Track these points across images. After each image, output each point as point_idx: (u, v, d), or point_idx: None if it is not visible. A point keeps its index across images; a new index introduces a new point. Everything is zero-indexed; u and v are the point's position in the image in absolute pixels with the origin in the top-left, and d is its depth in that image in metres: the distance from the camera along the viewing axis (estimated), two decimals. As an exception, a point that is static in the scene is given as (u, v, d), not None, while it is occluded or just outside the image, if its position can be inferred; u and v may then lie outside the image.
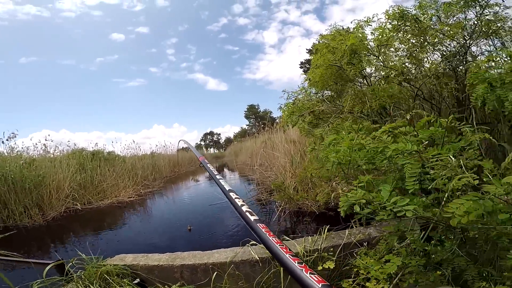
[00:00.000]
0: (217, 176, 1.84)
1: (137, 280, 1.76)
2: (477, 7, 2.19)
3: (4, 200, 5.23)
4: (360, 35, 2.36)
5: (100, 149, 9.25)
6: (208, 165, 2.21)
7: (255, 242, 1.89)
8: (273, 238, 0.70)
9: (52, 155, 7.88)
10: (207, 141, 67.58)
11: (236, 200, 1.32)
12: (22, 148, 7.15)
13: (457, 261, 1.20)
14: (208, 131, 68.56)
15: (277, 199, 3.98)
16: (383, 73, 2.41)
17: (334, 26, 2.96)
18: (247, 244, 1.88)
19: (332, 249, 1.71)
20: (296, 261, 0.61)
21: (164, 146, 14.33)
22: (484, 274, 1.11)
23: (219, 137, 68.21)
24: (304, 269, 0.58)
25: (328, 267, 1.62)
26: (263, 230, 0.76)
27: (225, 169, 14.51)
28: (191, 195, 7.32)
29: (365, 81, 2.62)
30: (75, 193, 6.27)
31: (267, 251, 1.70)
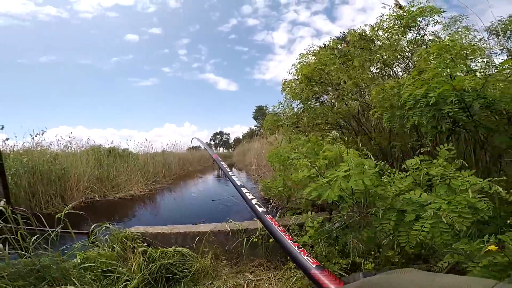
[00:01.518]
0: (230, 173, 2.04)
1: (145, 244, 2.62)
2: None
3: (33, 191, 6.21)
4: (312, 62, 3.17)
5: (115, 146, 10.35)
6: (221, 162, 2.31)
7: (232, 220, 2.74)
8: (278, 227, 0.78)
9: (72, 151, 8.93)
10: (217, 141, 68.97)
11: (247, 194, 1.51)
12: (46, 143, 8.23)
13: (344, 238, 2.00)
14: (218, 131, 70.04)
15: (271, 197, 4.77)
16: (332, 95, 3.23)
17: (311, 46, 3.75)
18: (225, 221, 2.73)
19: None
20: (296, 246, 0.69)
21: (174, 145, 15.31)
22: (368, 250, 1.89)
23: (228, 137, 69.64)
24: (302, 252, 0.66)
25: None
26: (270, 219, 0.84)
27: (233, 169, 15.43)
28: (198, 191, 8.24)
29: (323, 100, 3.45)
30: (93, 186, 7.28)
31: (239, 226, 2.55)
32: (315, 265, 0.49)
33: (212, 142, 66.86)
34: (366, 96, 3.04)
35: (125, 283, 2.19)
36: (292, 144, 2.51)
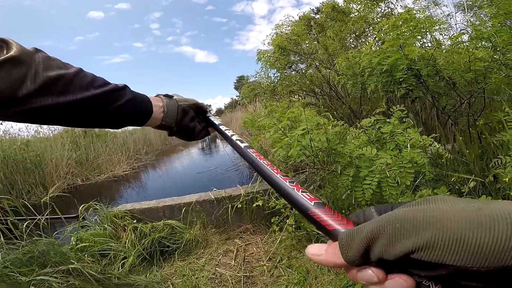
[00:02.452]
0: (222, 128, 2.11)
1: (135, 220, 2.80)
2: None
3: (11, 182, 6.13)
4: (286, 33, 3.27)
5: (91, 126, 10.16)
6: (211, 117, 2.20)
7: (216, 189, 2.94)
8: (263, 161, 0.59)
9: (45, 135, 8.78)
10: (197, 113, 68.80)
11: (226, 132, 1.40)
12: (14, 130, 8.03)
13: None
14: (199, 103, 69.47)
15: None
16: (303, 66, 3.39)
17: (287, 17, 3.84)
18: (209, 190, 2.93)
19: (262, 191, 2.73)
20: (287, 181, 0.51)
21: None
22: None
23: (210, 108, 68.95)
24: (295, 187, 0.48)
25: (259, 204, 2.65)
26: (253, 153, 0.62)
27: (217, 140, 15.58)
28: (183, 165, 8.42)
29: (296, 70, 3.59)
30: (73, 170, 7.29)
31: (222, 193, 2.74)
32: (313, 202, 0.40)
33: (192, 114, 67.02)
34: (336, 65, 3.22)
35: (123, 260, 2.39)
36: (267, 109, 2.66)
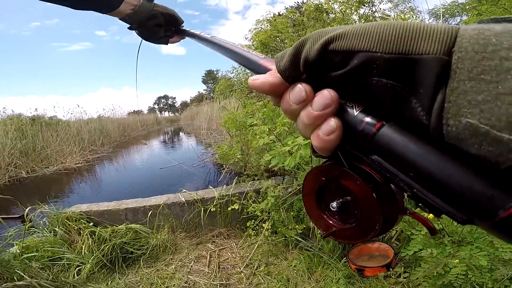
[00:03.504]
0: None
1: (91, 223, 2.51)
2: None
3: None
4: (268, 28, 3.17)
5: (40, 114, 9.41)
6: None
7: (186, 190, 2.71)
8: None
9: None
10: (161, 105, 67.26)
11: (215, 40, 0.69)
12: None
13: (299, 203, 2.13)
14: (163, 95, 68.22)
15: (224, 162, 4.80)
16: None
17: (268, 13, 3.74)
18: (178, 192, 2.70)
19: (238, 194, 2.56)
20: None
21: (112, 110, 14.52)
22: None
23: (174, 101, 68.08)
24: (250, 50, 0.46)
25: (234, 208, 2.48)
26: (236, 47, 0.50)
27: (181, 133, 15.13)
28: (143, 159, 7.99)
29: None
30: (17, 161, 6.64)
31: (194, 196, 2.53)
32: (263, 56, 0.40)
33: (156, 106, 65.01)
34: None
35: (79, 267, 2.12)
36: (247, 109, 2.50)
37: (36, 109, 9.62)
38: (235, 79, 3.78)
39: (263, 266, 2.18)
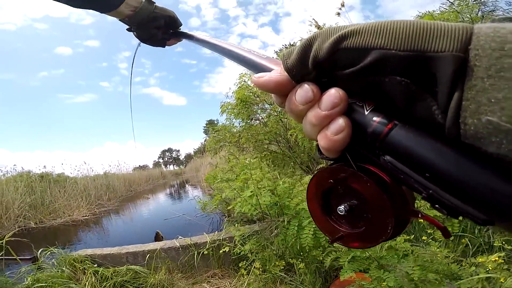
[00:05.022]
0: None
1: (95, 265, 2.79)
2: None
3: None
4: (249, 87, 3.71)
5: (48, 171, 10.03)
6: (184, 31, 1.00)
7: (182, 237, 3.02)
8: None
9: None
10: (166, 158, 68.32)
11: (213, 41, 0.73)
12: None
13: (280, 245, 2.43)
14: (167, 148, 69.63)
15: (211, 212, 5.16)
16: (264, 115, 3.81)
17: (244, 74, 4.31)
18: (174, 239, 3.01)
19: (228, 238, 2.86)
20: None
21: (117, 166, 15.26)
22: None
23: (178, 154, 69.39)
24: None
25: (225, 250, 2.76)
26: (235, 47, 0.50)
27: (187, 185, 15.49)
28: (149, 211, 8.30)
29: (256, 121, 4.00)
30: (26, 213, 7.05)
31: (188, 241, 2.85)
32: (265, 56, 0.39)
33: (160, 160, 66.06)
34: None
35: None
36: (230, 163, 2.94)
37: (44, 166, 10.30)
38: (226, 133, 4.27)
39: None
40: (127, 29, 0.83)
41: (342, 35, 0.24)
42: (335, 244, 1.51)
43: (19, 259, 2.62)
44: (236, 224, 2.94)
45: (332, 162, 0.31)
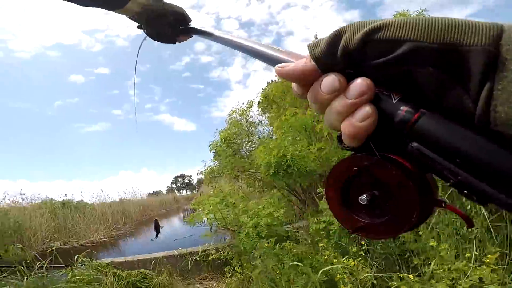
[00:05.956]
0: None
1: (114, 269, 3.70)
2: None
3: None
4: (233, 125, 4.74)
5: (69, 199, 11.18)
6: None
7: (180, 247, 3.94)
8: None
9: (22, 206, 9.71)
10: (178, 184, 69.59)
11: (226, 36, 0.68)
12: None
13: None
14: (179, 174, 71.07)
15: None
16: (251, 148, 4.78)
17: (238, 104, 5.31)
18: (175, 249, 3.94)
19: (215, 248, 3.75)
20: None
21: (132, 192, 16.26)
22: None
23: (190, 179, 70.61)
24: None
25: (213, 257, 3.62)
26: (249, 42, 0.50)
27: (197, 209, 16.35)
28: (162, 232, 9.21)
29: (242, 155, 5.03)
30: (51, 235, 8.08)
31: (184, 250, 3.78)
32: (283, 50, 0.38)
33: (174, 186, 67.41)
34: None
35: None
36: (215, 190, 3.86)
37: (65, 194, 11.43)
38: (223, 162, 5.26)
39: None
40: (137, 27, 0.83)
41: (374, 27, 0.26)
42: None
43: (56, 266, 3.57)
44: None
45: (352, 153, 0.32)
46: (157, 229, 4.78)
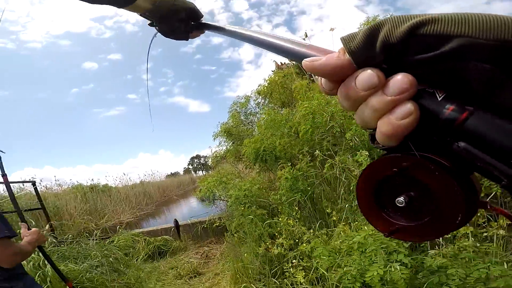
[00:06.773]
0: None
1: (145, 237, 5.01)
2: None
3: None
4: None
5: (96, 183, 12.63)
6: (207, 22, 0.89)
7: (192, 217, 5.22)
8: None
9: (54, 191, 11.25)
10: (195, 165, 70.94)
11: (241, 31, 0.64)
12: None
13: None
14: (195, 155, 72.25)
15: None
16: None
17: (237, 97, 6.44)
18: (188, 219, 5.23)
19: (218, 218, 4.99)
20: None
21: (151, 174, 17.66)
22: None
23: (206, 159, 71.16)
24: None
25: (217, 224, 4.87)
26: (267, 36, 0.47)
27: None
28: (180, 212, 10.61)
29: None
30: (86, 217, 9.54)
31: (195, 220, 5.08)
32: (306, 43, 0.36)
33: (190, 167, 68.99)
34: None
35: (137, 257, 4.60)
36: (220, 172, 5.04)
37: (92, 179, 12.90)
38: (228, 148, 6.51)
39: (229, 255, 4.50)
40: (149, 24, 0.82)
41: (420, 21, 0.25)
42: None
43: (104, 237, 4.90)
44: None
45: (385, 153, 0.31)
46: (178, 228, 5.43)
